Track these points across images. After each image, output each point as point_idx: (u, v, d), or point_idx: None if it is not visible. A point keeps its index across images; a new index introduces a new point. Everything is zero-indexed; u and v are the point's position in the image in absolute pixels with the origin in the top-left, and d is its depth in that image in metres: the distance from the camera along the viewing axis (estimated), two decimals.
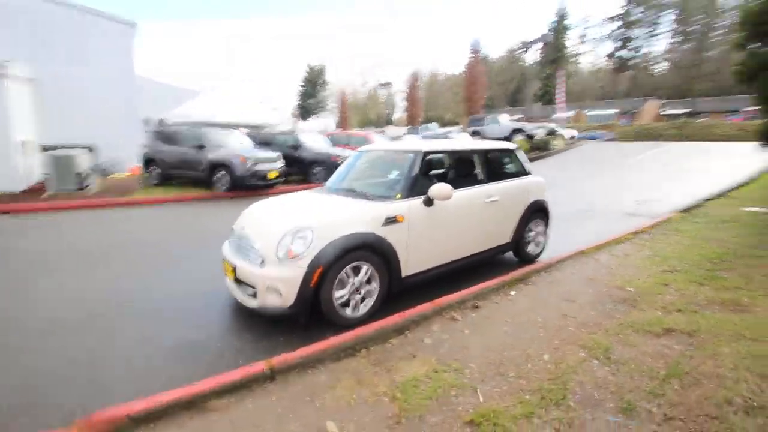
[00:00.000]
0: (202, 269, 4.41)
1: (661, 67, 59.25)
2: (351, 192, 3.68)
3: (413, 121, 27.48)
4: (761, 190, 8.64)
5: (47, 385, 2.36)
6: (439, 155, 4.00)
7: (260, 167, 9.67)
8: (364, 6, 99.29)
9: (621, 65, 54.35)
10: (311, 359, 2.46)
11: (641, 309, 3.03)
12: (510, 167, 4.52)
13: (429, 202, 3.44)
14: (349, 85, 46.34)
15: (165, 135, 10.80)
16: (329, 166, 11.20)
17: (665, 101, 43.37)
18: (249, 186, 9.54)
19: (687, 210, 6.90)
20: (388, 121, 53.78)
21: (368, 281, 3.11)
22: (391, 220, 3.22)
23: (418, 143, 4.30)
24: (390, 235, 3.19)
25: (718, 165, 13.31)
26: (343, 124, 36.23)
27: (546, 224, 4.71)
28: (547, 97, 53.55)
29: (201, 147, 9.86)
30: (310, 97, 57.27)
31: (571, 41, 56.20)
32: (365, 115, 56.27)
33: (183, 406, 2.04)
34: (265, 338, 2.91)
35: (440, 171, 3.96)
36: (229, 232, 3.59)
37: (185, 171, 10.25)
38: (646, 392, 2.02)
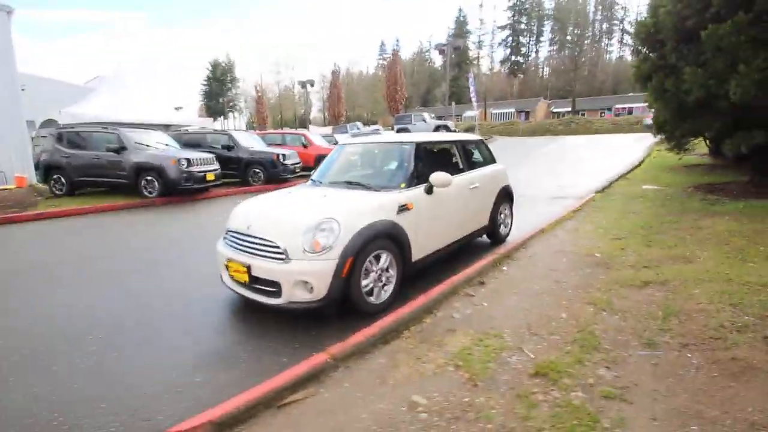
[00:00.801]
0: (184, 276, 4.03)
1: (545, 71, 67.53)
2: (351, 184, 3.70)
3: (336, 120, 27.40)
4: (648, 172, 10.53)
5: None
6: (429, 146, 4.21)
7: (195, 169, 8.91)
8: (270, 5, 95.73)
9: (514, 69, 60.74)
10: (364, 345, 2.49)
11: (615, 269, 3.61)
12: (481, 156, 4.93)
13: (430, 190, 3.63)
14: (261, 84, 44.27)
15: (69, 138, 9.33)
16: (271, 166, 10.77)
17: (551, 101, 49.61)
18: (184, 190, 8.76)
19: (601, 191, 8.14)
20: (304, 121, 52.80)
21: (387, 268, 3.20)
22: (403, 208, 3.34)
23: (406, 136, 4.45)
24: (403, 222, 3.31)
25: (608, 153, 15.73)
26: (260, 123, 34.54)
27: (511, 207, 5.23)
28: (455, 97, 57.47)
29: (120, 149, 8.74)
30: (218, 95, 53.61)
31: (470, 45, 61.01)
32: (279, 114, 54.43)
33: (262, 405, 1.95)
34: (295, 337, 2.82)
35: (430, 161, 4.17)
36: (191, 239, 3.42)
37: (101, 177, 9.01)
38: (656, 330, 2.48)
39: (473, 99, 22.27)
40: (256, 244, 3.01)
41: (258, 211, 3.35)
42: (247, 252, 3.06)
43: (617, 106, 41.83)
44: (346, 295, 2.90)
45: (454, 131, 20.54)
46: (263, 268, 2.91)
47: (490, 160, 4.99)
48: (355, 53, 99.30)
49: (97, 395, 2.18)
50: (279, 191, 4.04)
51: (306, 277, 2.78)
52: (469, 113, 36.22)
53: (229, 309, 3.33)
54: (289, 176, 11.42)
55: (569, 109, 43.06)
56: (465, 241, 4.30)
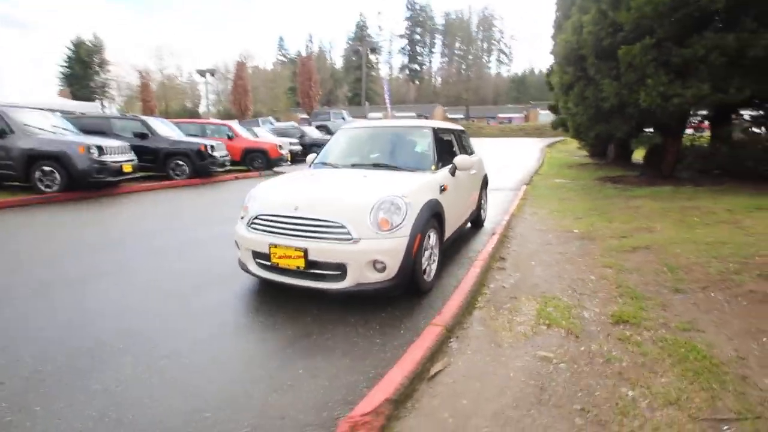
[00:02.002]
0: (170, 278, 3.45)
1: (438, 80, 73.28)
2: (379, 166, 3.65)
3: (243, 114, 25.51)
4: (551, 169, 12.31)
5: None
6: (440, 132, 4.35)
7: (110, 159, 7.53)
8: None
9: (412, 76, 64.68)
10: (459, 317, 2.53)
11: (600, 240, 4.25)
12: (468, 145, 5.26)
13: (454, 172, 3.79)
14: (145, 70, 38.75)
15: None
16: (198, 158, 9.63)
17: (446, 108, 54.12)
18: (96, 183, 7.33)
19: (529, 183, 9.30)
20: (194, 113, 47.88)
21: (434, 246, 3.25)
22: (442, 189, 3.44)
23: (418, 121, 4.50)
24: (443, 201, 3.40)
25: (514, 153, 17.88)
26: (145, 113, 30.15)
27: (487, 195, 5.69)
28: (357, 99, 58.53)
29: (2, 133, 6.90)
30: (83, 79, 45.32)
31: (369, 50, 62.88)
32: (164, 105, 48.35)
33: (416, 379, 1.86)
34: (366, 320, 2.71)
35: (442, 146, 4.32)
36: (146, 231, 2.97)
37: None
38: (673, 280, 3.04)
39: (387, 102, 23.08)
40: (314, 225, 2.78)
41: (302, 193, 3.10)
42: (299, 235, 2.80)
43: (500, 115, 47.60)
44: (412, 274, 2.88)
45: None
46: (326, 250, 2.71)
47: (472, 149, 5.36)
48: (249, 47, 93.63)
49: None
50: (291, 175, 3.76)
51: (379, 256, 2.68)
52: (372, 114, 37.33)
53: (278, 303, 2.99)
54: (218, 170, 10.37)
55: (462, 115, 47.53)
56: (465, 224, 4.56)
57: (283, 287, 2.97)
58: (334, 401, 1.85)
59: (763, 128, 9.17)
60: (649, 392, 1.78)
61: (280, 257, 2.83)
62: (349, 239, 2.69)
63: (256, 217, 3.04)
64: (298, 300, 2.97)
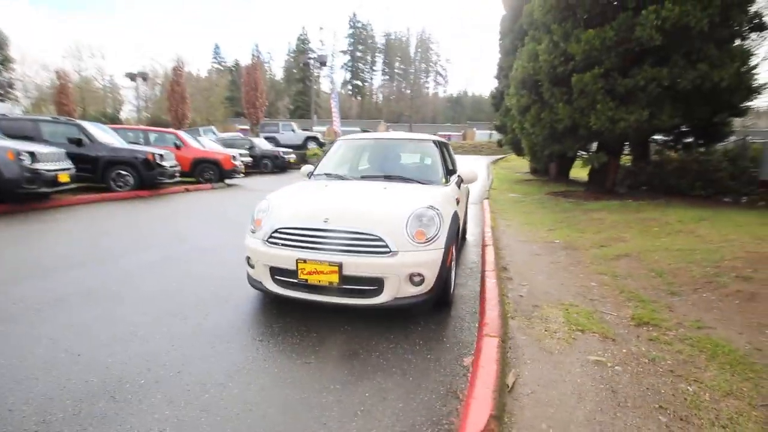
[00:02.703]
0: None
1: (380, 96, 75.02)
2: (394, 178, 3.63)
3: (180, 123, 23.76)
4: (503, 185, 13.11)
5: None
6: (440, 144, 4.44)
7: (43, 167, 6.60)
8: None
9: (355, 92, 65.51)
10: (504, 328, 2.57)
11: (583, 250, 4.59)
12: (452, 157, 5.42)
13: (460, 184, 3.89)
14: (63, 70, 34.55)
15: None
16: (145, 168, 8.77)
17: (389, 124, 55.46)
18: (26, 195, 6.35)
19: (488, 197, 9.81)
20: (115, 119, 43.78)
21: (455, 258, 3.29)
22: (458, 201, 3.51)
23: (420, 135, 4.53)
24: (459, 214, 3.47)
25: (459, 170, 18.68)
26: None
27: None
28: (299, 112, 57.74)
29: None
30: None
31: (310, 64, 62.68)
32: (82, 109, 43.49)
33: (501, 393, 1.85)
34: (412, 332, 2.66)
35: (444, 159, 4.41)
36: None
37: None
38: (666, 284, 3.37)
39: (336, 116, 23.02)
40: (348, 238, 2.67)
41: (327, 204, 2.96)
42: (332, 249, 2.67)
43: (440, 133, 49.84)
44: (445, 286, 2.87)
45: (325, 143, 20.75)
46: (362, 264, 2.61)
47: (455, 162, 5.54)
48: (181, 53, 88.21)
49: None
50: (296, 186, 3.60)
51: (419, 269, 2.65)
52: (317, 128, 36.95)
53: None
54: (167, 181, 9.52)
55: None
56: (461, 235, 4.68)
57: (299, 304, 2.80)
58: (419, 423, 1.77)
59: (673, 151, 10.68)
60: (704, 386, 1.95)
61: (309, 273, 2.66)
62: (386, 252, 2.62)
63: (275, 231, 2.84)
64: (317, 318, 2.83)
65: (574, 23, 7.90)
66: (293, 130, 20.59)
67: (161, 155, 9.24)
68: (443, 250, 2.77)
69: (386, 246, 2.63)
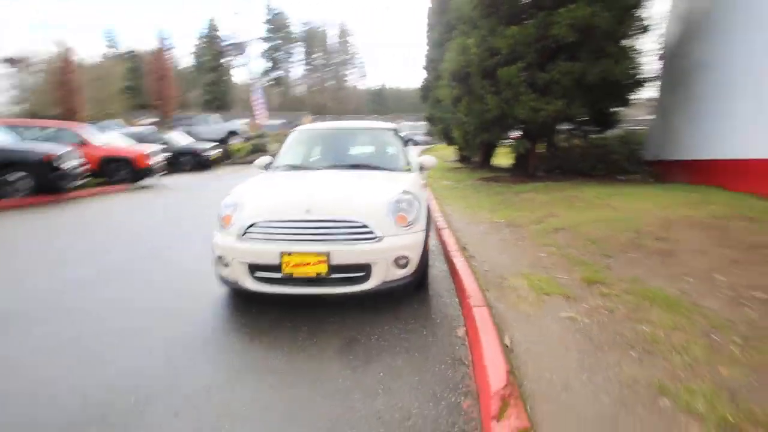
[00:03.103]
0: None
1: (302, 88, 72.93)
2: (361, 166, 3.66)
3: (70, 117, 20.54)
4: (437, 173, 13.70)
5: None
6: (397, 132, 4.54)
7: None
8: None
9: (276, 82, 62.65)
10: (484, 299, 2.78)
11: (524, 227, 5.07)
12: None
13: (421, 171, 4.05)
14: None
15: None
16: (43, 169, 7.58)
17: (314, 116, 54.25)
18: None
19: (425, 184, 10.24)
20: None
21: None
22: (424, 186, 3.66)
23: (377, 123, 4.55)
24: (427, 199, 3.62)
25: None
26: None
27: None
28: (215, 103, 53.73)
29: None
30: None
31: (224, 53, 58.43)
32: None
33: (505, 353, 2.04)
34: (399, 312, 2.75)
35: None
36: None
37: None
38: (600, 249, 3.90)
39: (261, 107, 21.91)
40: (333, 228, 2.67)
41: (304, 195, 2.90)
42: (317, 240, 2.65)
43: None
44: (425, 267, 3.02)
45: (250, 138, 19.73)
46: (349, 252, 2.65)
47: None
48: (65, 37, 75.97)
49: None
50: (262, 179, 3.48)
51: (404, 252, 2.76)
52: (237, 121, 34.91)
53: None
54: (73, 184, 8.32)
55: None
56: None
57: (272, 301, 2.77)
58: (439, 391, 1.89)
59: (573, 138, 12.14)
60: (655, 325, 2.35)
61: (295, 266, 2.62)
62: (372, 238, 2.68)
63: (251, 225, 2.73)
64: (299, 312, 2.82)
65: (499, 19, 8.53)
66: (213, 124, 19.18)
67: (61, 155, 8.04)
68: (424, 232, 2.91)
69: (371, 232, 2.69)
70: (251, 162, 18.75)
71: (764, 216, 4.05)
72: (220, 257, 2.85)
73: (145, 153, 10.58)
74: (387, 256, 2.69)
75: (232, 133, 19.08)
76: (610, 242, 4.04)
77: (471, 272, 3.33)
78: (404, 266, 2.78)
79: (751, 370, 1.85)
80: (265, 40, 64.68)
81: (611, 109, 9.34)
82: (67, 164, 8.02)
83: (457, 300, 3.10)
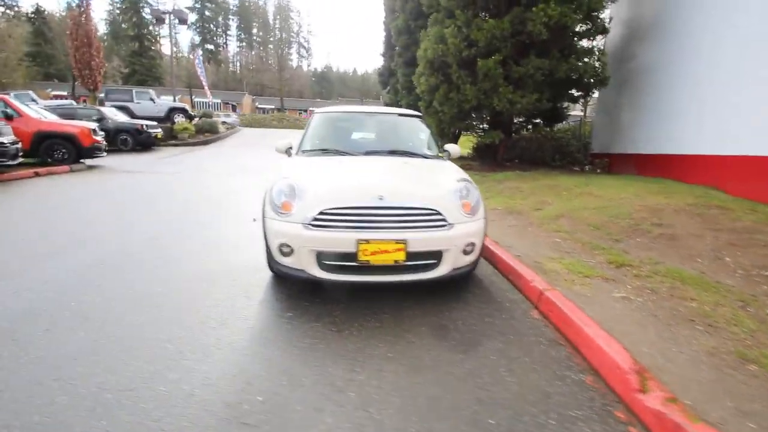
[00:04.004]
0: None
1: (238, 65, 68.38)
2: (398, 152, 3.63)
3: None
4: None
5: None
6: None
7: None
8: None
9: (208, 57, 57.82)
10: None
11: (525, 214, 5.38)
12: None
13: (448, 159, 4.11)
14: None
15: None
16: None
17: (255, 97, 51.40)
18: None
19: None
20: None
21: None
22: None
23: (397, 109, 4.45)
24: None
25: None
26: None
27: None
28: (137, 77, 48.48)
29: None
30: None
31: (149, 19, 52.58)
32: None
33: None
34: (449, 300, 2.82)
35: None
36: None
37: None
38: (607, 234, 4.29)
39: (204, 84, 20.24)
40: (409, 215, 2.65)
41: (373, 180, 2.83)
42: (393, 227, 2.61)
43: (311, 108, 48.68)
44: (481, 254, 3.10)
45: (195, 117, 18.18)
46: (425, 239, 2.65)
47: None
48: None
49: None
50: (307, 161, 3.32)
51: (472, 239, 2.82)
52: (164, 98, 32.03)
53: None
54: (9, 163, 7.11)
55: (273, 106, 46.14)
56: None
57: (321, 291, 2.73)
58: (558, 369, 2.00)
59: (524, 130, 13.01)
60: (699, 301, 2.68)
61: (373, 253, 2.56)
62: (444, 225, 2.71)
63: (321, 213, 2.61)
64: (367, 301, 2.79)
65: (475, 11, 8.73)
66: (152, 100, 17.34)
67: None
68: (484, 219, 2.98)
69: (444, 219, 2.71)
70: (206, 142, 17.38)
71: (730, 204, 4.73)
72: (282, 245, 2.68)
73: (89, 129, 9.30)
74: (458, 243, 2.73)
75: (176, 111, 17.41)
76: (611, 228, 4.45)
77: (512, 257, 3.49)
78: (470, 253, 2.84)
79: None
80: (193, 9, 59.38)
81: (562, 104, 10.15)
82: (4, 139, 6.82)
83: (507, 283, 3.25)
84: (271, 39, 67.97)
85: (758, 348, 2.09)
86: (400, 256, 2.59)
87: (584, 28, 8.73)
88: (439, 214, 2.70)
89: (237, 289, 2.95)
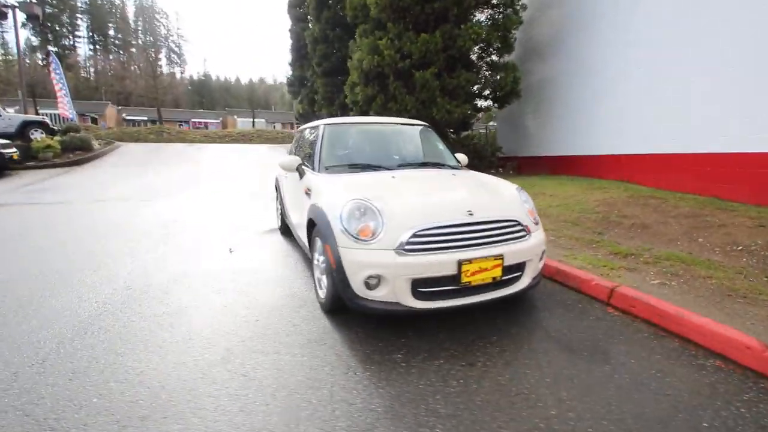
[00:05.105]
0: None
1: (91, 71, 58.33)
2: (429, 164, 3.51)
3: None
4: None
5: None
6: None
7: None
8: None
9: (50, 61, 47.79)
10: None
11: None
12: None
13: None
14: None
15: None
16: None
17: (120, 107, 44.30)
18: None
19: None
20: None
21: None
22: None
23: (409, 120, 4.22)
24: None
25: (232, 157, 17.39)
26: None
27: None
28: None
29: None
30: None
31: None
32: None
33: None
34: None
35: None
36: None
37: None
38: (587, 228, 4.78)
39: (61, 93, 16.65)
40: (497, 228, 2.55)
41: (452, 196, 2.64)
42: (489, 242, 2.49)
43: (194, 120, 44.12)
44: None
45: (58, 131, 14.80)
46: (518, 251, 2.61)
47: None
48: None
49: None
50: (351, 179, 2.97)
51: (543, 246, 2.85)
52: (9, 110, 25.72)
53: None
54: None
55: (145, 117, 40.44)
56: None
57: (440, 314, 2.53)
58: (684, 358, 2.13)
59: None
60: (719, 277, 3.13)
61: (474, 273, 2.40)
62: (525, 235, 2.69)
63: (414, 235, 2.35)
64: (446, 328, 2.63)
65: (406, 25, 9.01)
66: None
67: None
68: (540, 224, 3.04)
69: (524, 229, 2.68)
70: (78, 162, 14.30)
71: (658, 195, 5.73)
72: (371, 278, 2.31)
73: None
74: (537, 251, 2.73)
75: (31, 125, 13.90)
76: (587, 222, 4.99)
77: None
78: (541, 260, 2.86)
79: None
80: (28, 2, 48.91)
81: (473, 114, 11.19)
82: None
83: (555, 284, 3.36)
84: (134, 42, 59.70)
85: None
86: (498, 273, 2.47)
87: (499, 45, 9.70)
88: (520, 224, 2.66)
89: None
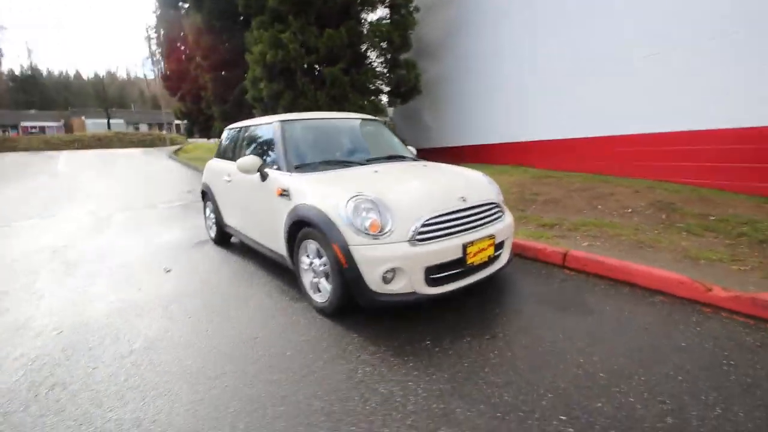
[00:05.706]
0: None
1: None
2: (395, 158, 3.58)
3: None
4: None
5: None
6: None
7: None
8: None
9: None
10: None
11: None
12: None
13: None
14: None
15: None
16: None
17: None
18: None
19: None
20: None
21: None
22: None
23: (362, 115, 4.09)
24: None
25: (154, 160, 15.15)
26: None
27: None
28: None
29: None
30: None
31: None
32: None
33: None
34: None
35: None
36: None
37: None
38: (515, 209, 5.45)
39: None
40: (484, 211, 2.80)
41: (441, 184, 2.79)
42: (481, 224, 2.73)
43: (24, 123, 35.55)
44: None
45: None
46: (501, 230, 2.90)
47: None
48: None
49: None
50: (334, 175, 2.90)
51: (513, 226, 3.18)
52: None
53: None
54: None
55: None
56: None
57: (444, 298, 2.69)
58: (707, 322, 2.68)
59: None
60: (624, 234, 3.93)
61: (475, 254, 2.63)
62: (501, 215, 2.99)
63: (423, 225, 2.46)
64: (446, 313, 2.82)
65: (307, 18, 8.79)
66: None
67: None
68: None
69: (501, 210, 2.99)
70: None
71: (553, 174, 6.79)
72: (387, 272, 2.32)
73: None
74: (512, 230, 3.06)
75: None
76: (509, 202, 5.65)
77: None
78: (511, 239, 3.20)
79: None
80: None
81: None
82: None
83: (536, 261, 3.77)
84: None
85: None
86: (491, 251, 2.72)
87: (399, 43, 10.16)
88: (498, 205, 2.95)
89: None
